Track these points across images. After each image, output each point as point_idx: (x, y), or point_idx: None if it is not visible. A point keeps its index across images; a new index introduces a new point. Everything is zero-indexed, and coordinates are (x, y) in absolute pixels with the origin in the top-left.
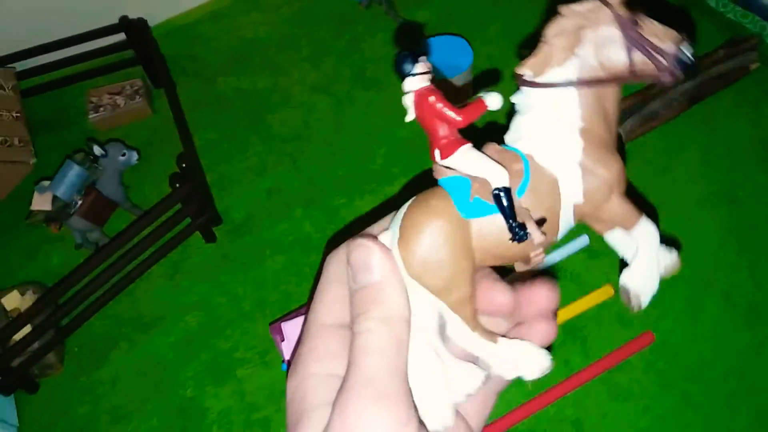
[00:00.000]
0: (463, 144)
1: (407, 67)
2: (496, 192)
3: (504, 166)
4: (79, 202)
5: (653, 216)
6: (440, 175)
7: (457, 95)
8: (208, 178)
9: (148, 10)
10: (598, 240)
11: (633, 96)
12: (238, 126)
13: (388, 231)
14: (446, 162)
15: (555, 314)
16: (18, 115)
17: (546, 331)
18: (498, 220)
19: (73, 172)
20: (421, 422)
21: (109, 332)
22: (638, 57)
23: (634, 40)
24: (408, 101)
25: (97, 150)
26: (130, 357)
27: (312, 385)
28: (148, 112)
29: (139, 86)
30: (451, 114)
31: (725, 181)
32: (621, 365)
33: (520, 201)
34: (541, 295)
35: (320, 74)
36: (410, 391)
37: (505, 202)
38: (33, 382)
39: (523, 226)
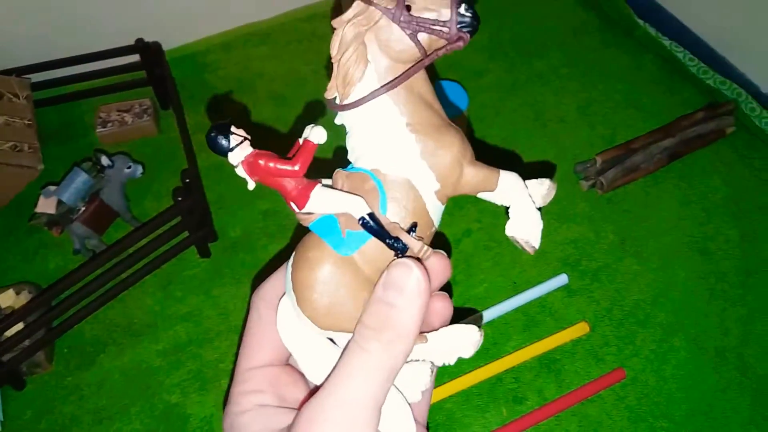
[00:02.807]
0: (313, 187)
1: (223, 144)
2: (362, 220)
3: (358, 193)
4: (82, 209)
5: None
6: (307, 222)
7: None
8: (207, 197)
9: (163, 35)
10: (575, 279)
11: (616, 148)
12: None
13: (285, 296)
14: (305, 210)
15: (445, 293)
16: (30, 122)
17: (443, 308)
18: (376, 242)
19: (80, 179)
20: None
21: (100, 336)
22: (423, 37)
23: (410, 24)
24: (241, 173)
25: (104, 160)
26: (118, 361)
27: (245, 420)
28: (154, 131)
29: (148, 106)
30: (286, 168)
31: (698, 234)
32: (592, 398)
33: (387, 217)
34: (432, 271)
35: (323, 108)
36: (377, 423)
37: (373, 226)
38: (20, 379)
39: (398, 239)
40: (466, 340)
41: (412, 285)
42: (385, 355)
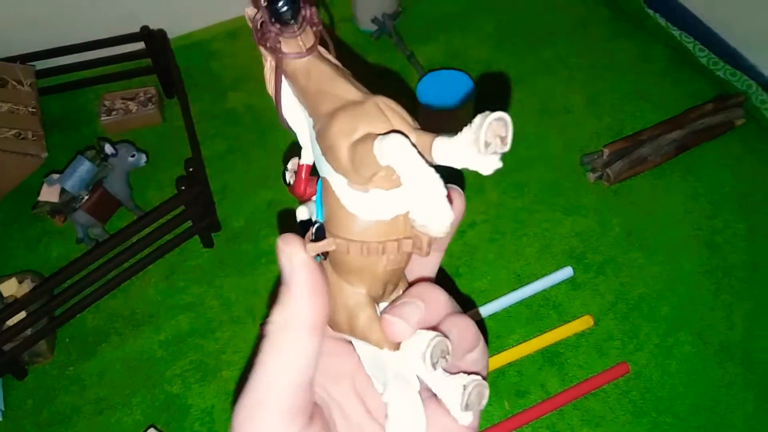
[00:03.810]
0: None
1: (285, 180)
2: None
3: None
4: (86, 197)
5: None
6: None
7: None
8: (211, 186)
9: (168, 23)
10: (580, 273)
11: (624, 140)
12: (244, 140)
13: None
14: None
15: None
16: (34, 110)
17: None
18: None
19: (84, 168)
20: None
21: (101, 326)
22: (268, 43)
23: (257, 38)
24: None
25: (108, 149)
26: (120, 351)
27: None
28: (159, 120)
29: (153, 94)
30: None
31: (705, 227)
32: (595, 392)
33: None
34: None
35: None
36: (305, 406)
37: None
38: (22, 369)
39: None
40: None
41: (286, 257)
42: (282, 335)
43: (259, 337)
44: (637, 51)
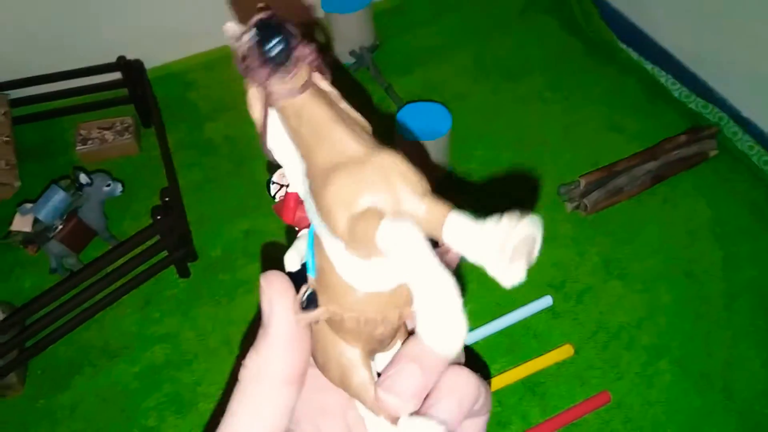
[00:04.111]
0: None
1: (270, 194)
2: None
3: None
4: (60, 227)
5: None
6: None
7: (436, 157)
8: (188, 216)
9: (145, 53)
10: (559, 302)
11: (600, 170)
12: (221, 170)
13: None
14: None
15: None
16: (8, 139)
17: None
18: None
19: (58, 197)
20: None
21: (74, 358)
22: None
23: (241, 70)
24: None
25: (83, 178)
26: (93, 383)
27: None
28: (136, 150)
29: (129, 124)
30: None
31: (682, 257)
32: (577, 422)
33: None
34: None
35: None
36: None
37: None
38: None
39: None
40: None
41: (266, 299)
42: (253, 384)
43: (235, 373)
44: (611, 84)
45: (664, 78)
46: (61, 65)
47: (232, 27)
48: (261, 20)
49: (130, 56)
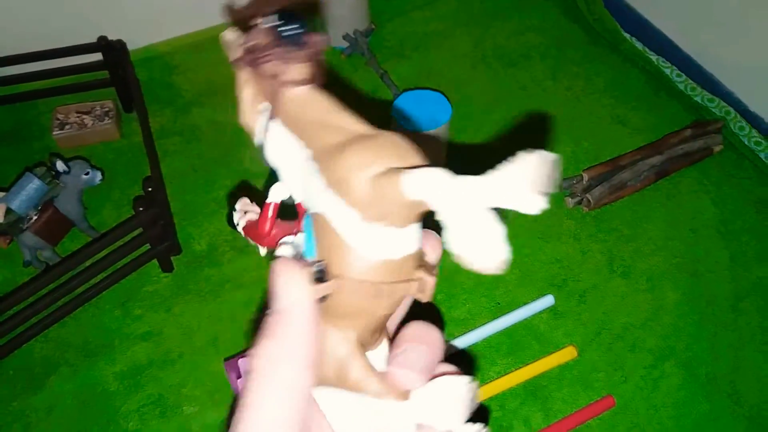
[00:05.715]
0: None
1: (233, 222)
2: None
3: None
4: (34, 218)
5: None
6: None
7: (433, 149)
8: (171, 207)
9: (128, 34)
10: (562, 301)
11: (604, 164)
12: (207, 157)
13: None
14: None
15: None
16: None
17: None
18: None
19: (32, 186)
20: None
21: (50, 356)
22: (267, 67)
23: (249, 61)
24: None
25: (60, 166)
26: (70, 384)
27: None
28: (116, 136)
29: (110, 108)
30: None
31: (687, 255)
32: (581, 428)
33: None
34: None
35: None
36: None
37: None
38: None
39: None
40: (456, 400)
41: (281, 284)
42: (269, 370)
43: (229, 371)
44: (614, 75)
45: (669, 69)
46: (38, 45)
47: (230, 35)
48: (282, 8)
49: (111, 36)
